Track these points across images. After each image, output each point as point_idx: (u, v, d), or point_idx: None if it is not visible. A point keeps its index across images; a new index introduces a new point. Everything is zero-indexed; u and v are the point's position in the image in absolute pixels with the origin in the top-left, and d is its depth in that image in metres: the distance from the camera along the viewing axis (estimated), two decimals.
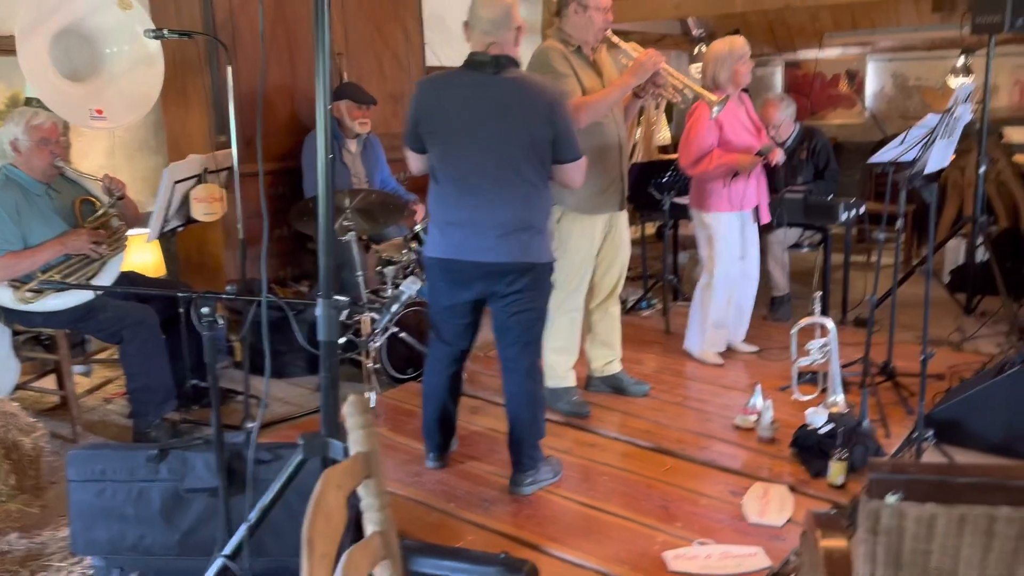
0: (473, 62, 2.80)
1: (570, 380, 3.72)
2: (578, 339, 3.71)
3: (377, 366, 3.94)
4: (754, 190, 4.12)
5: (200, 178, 3.56)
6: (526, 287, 2.85)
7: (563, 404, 3.68)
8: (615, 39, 3.42)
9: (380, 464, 0.87)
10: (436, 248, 2.90)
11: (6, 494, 3.00)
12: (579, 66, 3.36)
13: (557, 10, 3.44)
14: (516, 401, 2.99)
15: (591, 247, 3.55)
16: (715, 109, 3.46)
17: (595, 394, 3.87)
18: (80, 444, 3.52)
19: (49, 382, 3.93)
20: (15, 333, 3.59)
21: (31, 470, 3.08)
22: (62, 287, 3.22)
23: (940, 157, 3.11)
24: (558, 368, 3.68)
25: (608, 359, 3.88)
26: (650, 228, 6.30)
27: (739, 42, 3.96)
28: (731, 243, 4.08)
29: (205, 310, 2.05)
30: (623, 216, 3.67)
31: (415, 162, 2.95)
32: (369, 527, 0.81)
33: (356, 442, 0.84)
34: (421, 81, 2.95)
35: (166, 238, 3.66)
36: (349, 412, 0.91)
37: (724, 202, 4.01)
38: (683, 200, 4.94)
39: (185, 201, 3.57)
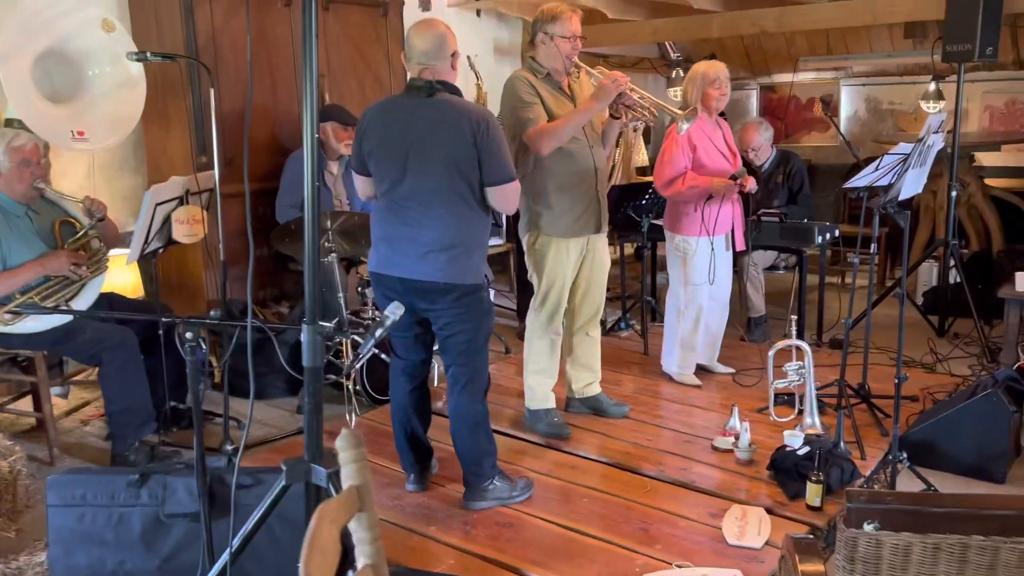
0: (409, 87, 2.90)
1: (550, 402, 3.75)
2: (557, 362, 3.74)
3: (357, 387, 3.95)
4: (728, 216, 4.18)
5: (182, 200, 3.55)
6: (451, 307, 2.91)
7: (543, 426, 3.70)
8: (581, 64, 3.47)
9: (372, 497, 0.89)
10: (371, 262, 3.02)
11: None
12: (547, 93, 3.42)
13: (530, 39, 3.51)
14: (454, 419, 3.06)
15: (567, 271, 3.58)
16: (682, 125, 3.48)
17: (575, 415, 3.90)
18: (57, 467, 3.49)
19: (25, 404, 3.89)
20: None
21: (7, 494, 3.04)
22: (42, 311, 3.20)
23: (913, 185, 3.19)
24: (537, 390, 3.71)
25: (588, 381, 3.91)
26: (629, 249, 6.35)
27: (714, 67, 4.03)
28: (700, 267, 4.12)
29: (189, 335, 2.05)
30: (601, 239, 3.70)
31: (360, 184, 3.06)
32: (361, 560, 0.83)
33: (349, 476, 0.86)
34: (369, 106, 3.01)
35: (146, 259, 3.64)
36: (342, 446, 0.93)
37: (696, 226, 4.06)
38: (661, 222, 5.00)
39: (166, 223, 3.56)
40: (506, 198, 2.89)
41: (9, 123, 3.80)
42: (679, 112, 3.43)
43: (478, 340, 2.99)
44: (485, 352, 3.06)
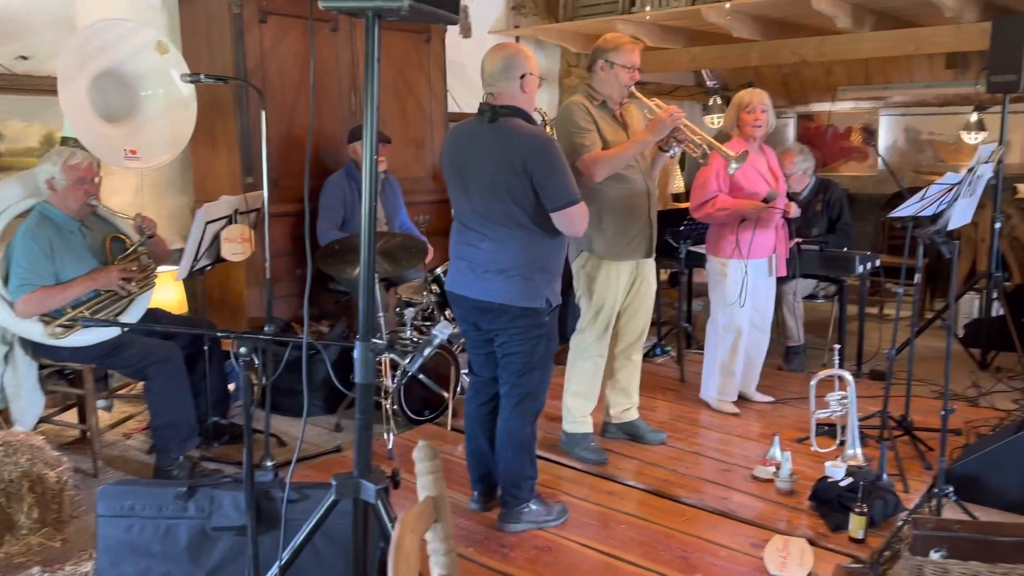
0: (478, 111, 2.94)
1: (587, 426, 3.74)
2: (599, 385, 3.73)
3: (394, 407, 3.97)
4: (769, 240, 4.17)
5: (231, 219, 3.62)
6: (508, 327, 2.94)
7: (580, 450, 3.69)
8: (639, 95, 3.50)
9: (448, 509, 0.90)
10: (447, 280, 3.10)
11: (28, 527, 3.02)
12: (603, 120, 3.46)
13: (588, 65, 3.55)
14: (501, 436, 3.06)
15: (616, 293, 3.59)
16: (733, 165, 3.51)
17: (611, 441, 3.88)
18: (101, 479, 3.54)
19: (71, 416, 3.96)
20: (40, 367, 3.63)
21: (54, 504, 3.09)
22: (92, 323, 3.27)
23: (962, 215, 3.16)
24: (576, 412, 3.71)
25: (626, 406, 3.90)
26: (664, 275, 6.34)
27: (750, 93, 4.07)
28: (735, 290, 4.10)
29: (243, 350, 2.08)
30: (650, 264, 3.72)
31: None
32: (436, 570, 0.84)
33: (425, 487, 0.87)
34: (449, 130, 3.07)
35: (193, 276, 3.71)
36: (419, 457, 0.95)
37: (732, 248, 4.06)
38: (699, 248, 5.00)
39: (215, 241, 3.63)
40: (570, 221, 2.87)
41: (65, 141, 3.91)
42: (731, 154, 3.45)
43: (532, 361, 2.99)
44: (540, 375, 3.04)
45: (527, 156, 2.78)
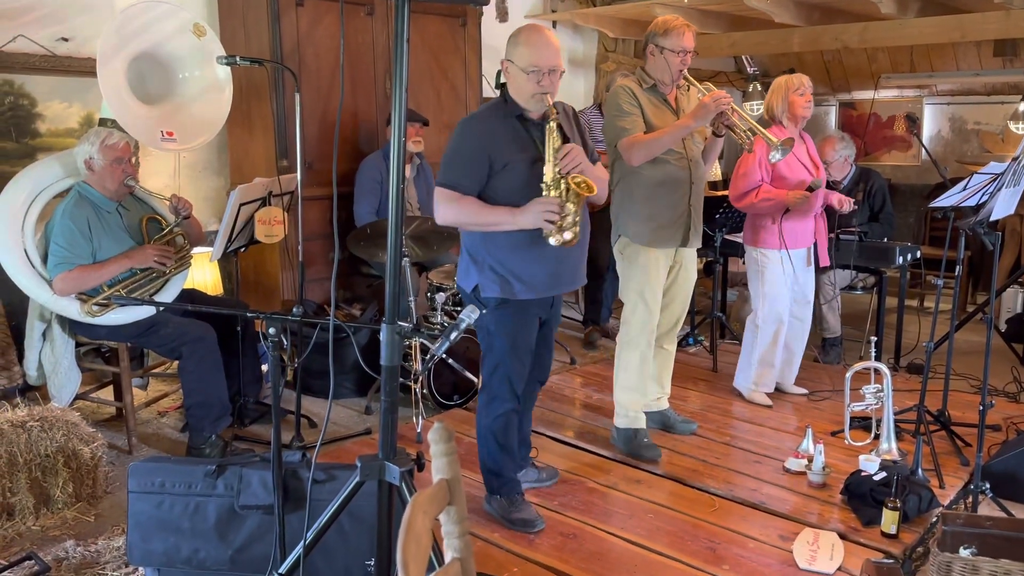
0: None
1: (640, 422, 3.62)
2: (646, 378, 3.64)
3: (424, 391, 3.98)
4: (809, 230, 4.10)
5: (264, 201, 3.64)
6: None
7: (633, 446, 3.59)
8: (690, 79, 3.44)
9: (462, 491, 0.90)
10: None
11: (63, 502, 3.08)
12: (651, 104, 3.41)
13: (642, 50, 3.52)
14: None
15: (654, 281, 3.52)
16: (775, 154, 3.42)
17: None
18: (135, 456, 3.60)
19: (106, 393, 4.04)
20: (77, 344, 3.70)
21: (88, 479, 3.16)
22: (128, 302, 3.31)
23: (1006, 205, 3.07)
24: (629, 407, 3.61)
25: (657, 395, 3.85)
26: (699, 264, 6.28)
27: (798, 76, 3.99)
28: (777, 281, 4.03)
29: (272, 331, 2.10)
30: (690, 252, 3.65)
31: None
32: (449, 553, 0.83)
33: (439, 469, 0.86)
34: None
35: (227, 258, 3.74)
36: (434, 439, 0.94)
37: (774, 238, 3.99)
38: (735, 237, 4.93)
39: (249, 222, 3.66)
40: (435, 200, 2.75)
41: (103, 122, 3.96)
42: (775, 140, 3.37)
43: (488, 354, 2.91)
44: (500, 373, 2.89)
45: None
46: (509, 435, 2.97)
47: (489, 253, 2.80)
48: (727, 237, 4.90)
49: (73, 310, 3.43)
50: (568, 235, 2.69)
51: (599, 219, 3.69)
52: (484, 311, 2.78)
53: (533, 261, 2.79)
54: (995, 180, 3.02)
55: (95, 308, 3.42)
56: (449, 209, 2.73)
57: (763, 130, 3.38)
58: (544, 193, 2.68)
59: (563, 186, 2.67)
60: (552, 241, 2.69)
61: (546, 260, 2.79)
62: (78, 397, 3.78)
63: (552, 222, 2.65)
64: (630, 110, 3.35)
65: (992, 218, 3.03)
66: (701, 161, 3.56)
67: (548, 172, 2.67)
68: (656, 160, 3.36)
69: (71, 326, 3.60)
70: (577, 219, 2.70)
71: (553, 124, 2.67)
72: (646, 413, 3.81)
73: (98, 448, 3.16)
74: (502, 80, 2.83)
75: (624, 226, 3.50)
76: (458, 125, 2.79)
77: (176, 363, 3.70)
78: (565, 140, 2.73)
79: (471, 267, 2.85)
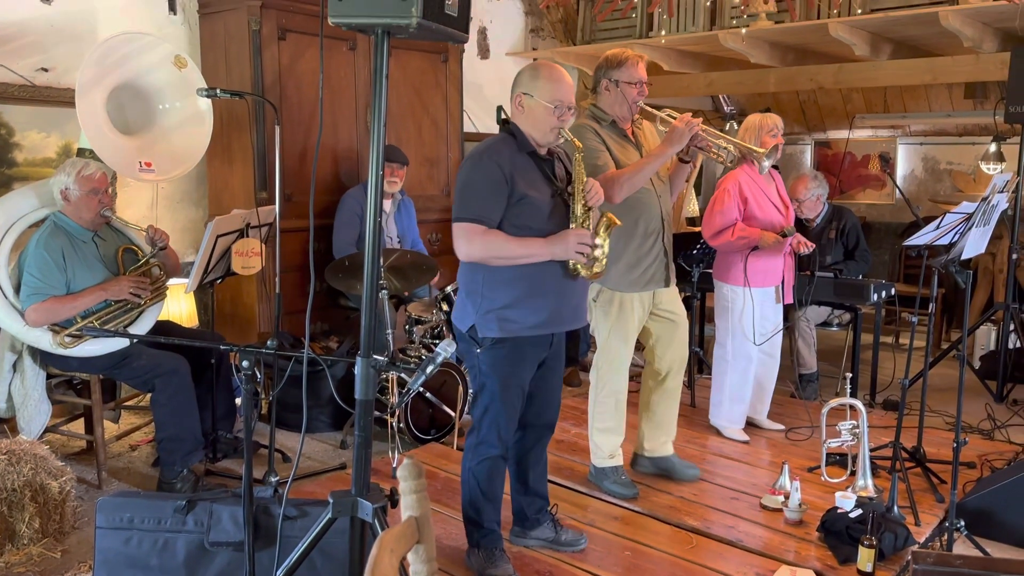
0: None
1: (617, 459, 3.58)
2: (623, 419, 3.57)
3: (400, 425, 3.95)
4: (778, 268, 4.13)
5: (242, 232, 3.63)
6: (462, 352, 2.85)
7: (610, 484, 3.55)
8: (648, 109, 3.40)
9: (431, 529, 0.89)
10: None
11: (29, 537, 3.02)
12: (612, 141, 3.32)
13: (593, 87, 3.41)
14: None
15: (629, 327, 3.44)
16: (764, 163, 3.40)
17: (635, 473, 3.74)
18: (104, 490, 3.54)
19: (77, 426, 3.97)
20: (48, 376, 3.65)
21: (55, 514, 3.09)
22: (100, 334, 3.28)
23: (976, 244, 3.13)
24: (605, 448, 3.57)
25: (661, 440, 3.73)
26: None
27: (771, 117, 4.02)
28: (745, 318, 4.05)
29: (245, 364, 2.08)
30: (670, 292, 3.55)
31: None
32: None
33: (408, 506, 0.85)
34: None
35: (203, 289, 3.72)
36: (403, 476, 0.93)
37: (742, 276, 4.02)
38: (711, 271, 4.97)
39: (226, 254, 3.64)
40: (455, 236, 2.67)
41: (81, 153, 3.95)
42: (759, 151, 3.37)
43: (483, 394, 2.80)
44: (489, 416, 2.78)
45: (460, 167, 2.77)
46: (493, 483, 2.85)
47: (489, 290, 2.73)
48: (705, 271, 4.93)
49: (45, 341, 3.39)
50: (597, 268, 2.74)
51: None
52: (479, 350, 2.75)
53: (534, 297, 2.71)
54: (966, 220, 3.07)
55: (67, 339, 3.38)
56: (474, 244, 2.64)
57: (745, 144, 3.36)
58: (572, 226, 2.70)
59: (591, 219, 2.71)
60: (582, 273, 2.73)
61: (547, 296, 2.73)
62: (48, 430, 3.72)
63: (583, 254, 2.68)
64: (598, 147, 3.26)
65: (963, 257, 3.08)
66: (669, 196, 3.51)
67: (577, 205, 2.70)
68: (627, 200, 3.25)
69: (43, 357, 3.55)
70: (606, 252, 2.73)
71: (579, 156, 2.70)
72: (649, 458, 3.74)
73: (67, 482, 3.11)
74: (503, 116, 2.82)
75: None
76: (467, 159, 2.74)
77: (149, 396, 3.66)
78: (569, 178, 2.77)
79: (467, 306, 2.77)
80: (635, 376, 3.82)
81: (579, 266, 2.72)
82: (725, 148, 3.33)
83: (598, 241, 2.72)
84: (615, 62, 3.32)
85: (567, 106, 2.68)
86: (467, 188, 2.67)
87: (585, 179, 2.71)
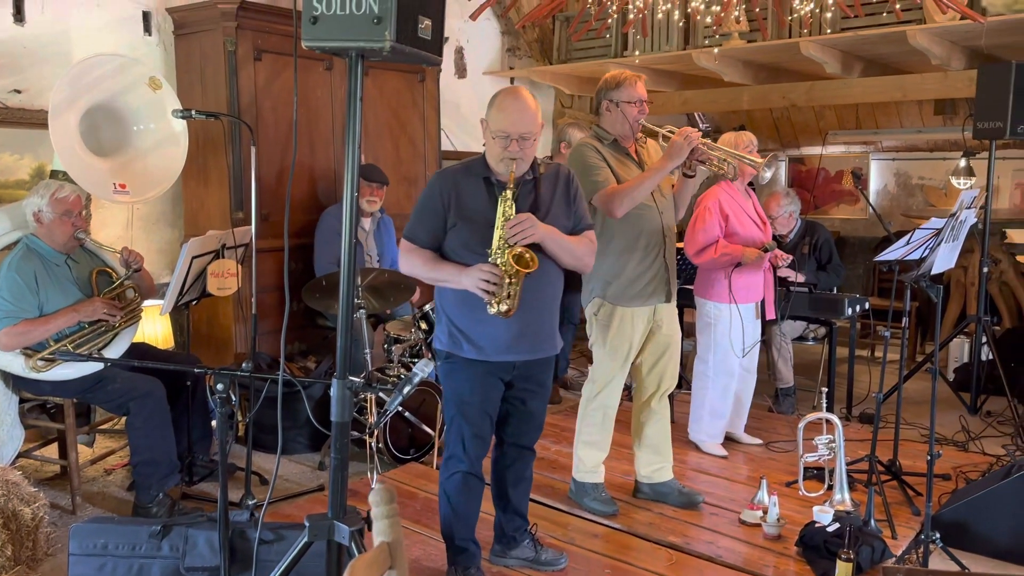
0: None
1: (598, 476, 3.57)
2: (610, 434, 3.56)
3: (379, 445, 3.93)
4: (758, 284, 4.17)
5: (218, 253, 3.61)
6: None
7: (590, 501, 3.55)
8: (650, 126, 3.43)
9: (403, 555, 0.88)
10: None
11: (1, 565, 2.96)
12: (614, 160, 3.34)
13: (595, 108, 3.46)
14: None
15: (631, 343, 3.43)
16: (764, 173, 3.41)
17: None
18: (79, 515, 3.49)
19: (51, 451, 3.92)
20: (21, 400, 3.60)
21: (28, 541, 3.04)
22: (73, 358, 3.24)
23: (946, 259, 3.17)
24: (587, 462, 3.56)
25: (657, 465, 3.67)
26: None
27: (745, 135, 4.06)
28: (726, 334, 4.08)
29: (220, 386, 2.07)
30: (670, 308, 3.53)
31: None
32: None
33: (380, 532, 0.85)
34: None
35: (179, 310, 3.69)
36: (374, 501, 0.93)
37: (725, 293, 4.05)
38: (689, 286, 5.00)
39: (202, 275, 3.62)
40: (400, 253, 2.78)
41: (54, 175, 3.92)
42: (758, 160, 3.40)
43: (449, 412, 2.83)
44: (454, 430, 2.82)
45: None
46: (467, 500, 2.83)
47: (445, 307, 2.78)
48: (683, 286, 4.95)
49: (17, 365, 3.34)
50: (503, 307, 2.58)
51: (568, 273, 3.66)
52: (438, 363, 2.76)
53: (484, 323, 2.66)
54: (935, 235, 3.12)
55: (40, 363, 3.34)
56: (406, 259, 2.74)
57: (743, 155, 3.39)
58: (489, 259, 2.61)
59: (507, 256, 2.59)
60: (489, 310, 2.61)
61: (499, 322, 2.64)
62: (21, 455, 3.66)
63: (487, 291, 2.58)
64: (599, 163, 3.29)
65: (933, 271, 3.12)
66: (672, 211, 3.52)
67: (495, 239, 2.61)
68: (629, 215, 3.26)
69: (15, 382, 3.50)
70: (513, 292, 2.58)
71: (508, 192, 2.61)
72: (649, 485, 3.70)
73: (40, 508, 3.06)
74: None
75: (599, 286, 3.40)
76: (429, 181, 2.80)
77: (124, 419, 3.62)
78: (534, 209, 2.68)
79: (439, 319, 2.84)
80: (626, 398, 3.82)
81: (488, 303, 2.61)
82: (725, 160, 3.36)
83: (506, 280, 2.58)
84: (614, 83, 3.37)
85: (515, 136, 2.59)
86: (416, 206, 2.78)
87: (511, 213, 2.60)
